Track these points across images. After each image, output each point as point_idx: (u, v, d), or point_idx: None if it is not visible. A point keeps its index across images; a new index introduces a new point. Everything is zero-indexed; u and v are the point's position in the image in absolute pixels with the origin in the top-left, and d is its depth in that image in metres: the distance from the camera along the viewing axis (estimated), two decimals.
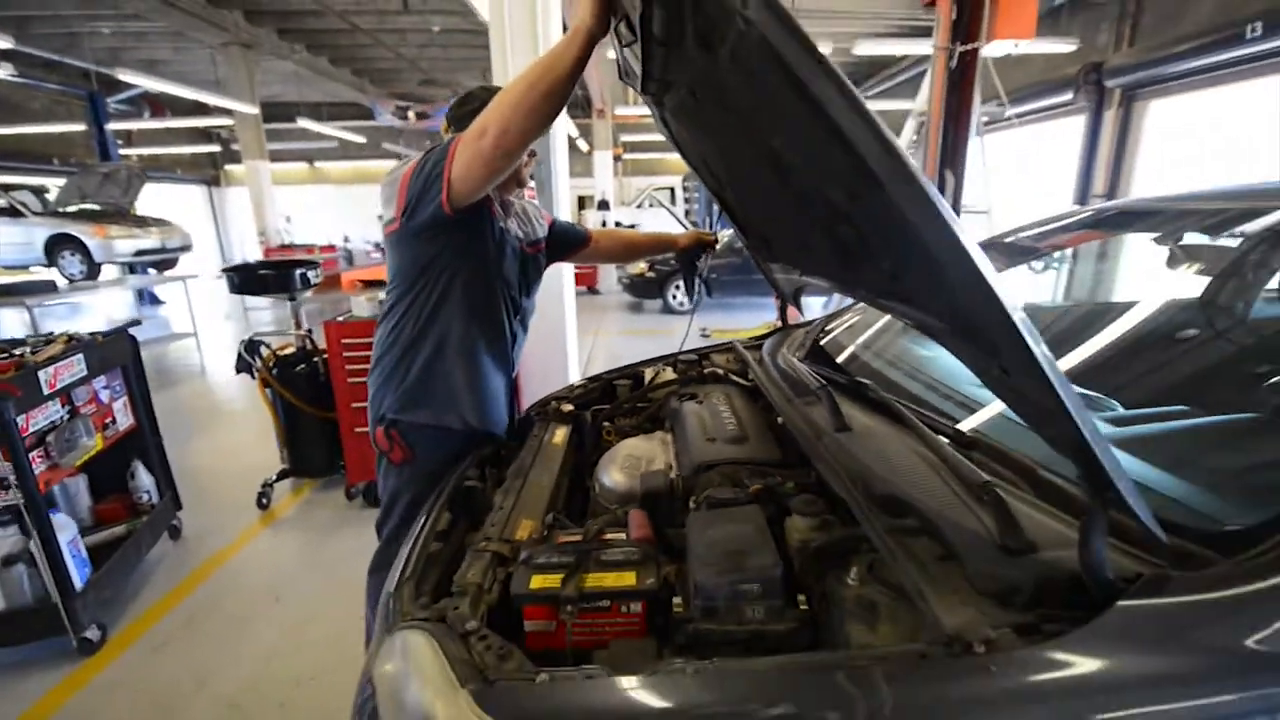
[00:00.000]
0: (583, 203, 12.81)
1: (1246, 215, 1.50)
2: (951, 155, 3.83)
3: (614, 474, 1.32)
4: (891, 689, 0.62)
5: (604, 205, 10.75)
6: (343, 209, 16.50)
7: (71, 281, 7.52)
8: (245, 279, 3.09)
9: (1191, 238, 1.55)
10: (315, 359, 2.96)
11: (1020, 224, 1.90)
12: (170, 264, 9.16)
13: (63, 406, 2.11)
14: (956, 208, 3.95)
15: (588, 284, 10.18)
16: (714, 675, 0.68)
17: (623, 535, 1.04)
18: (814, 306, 4.52)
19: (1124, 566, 0.68)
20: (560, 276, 3.25)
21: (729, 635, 0.80)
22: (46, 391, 1.96)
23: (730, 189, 1.47)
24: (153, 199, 10.28)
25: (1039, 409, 0.64)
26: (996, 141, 6.88)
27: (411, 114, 10.27)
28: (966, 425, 1.09)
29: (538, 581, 0.91)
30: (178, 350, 6.64)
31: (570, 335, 3.41)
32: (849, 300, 2.07)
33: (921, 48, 4.35)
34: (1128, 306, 1.72)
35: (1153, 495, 0.84)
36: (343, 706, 1.71)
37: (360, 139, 13.76)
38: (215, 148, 16.12)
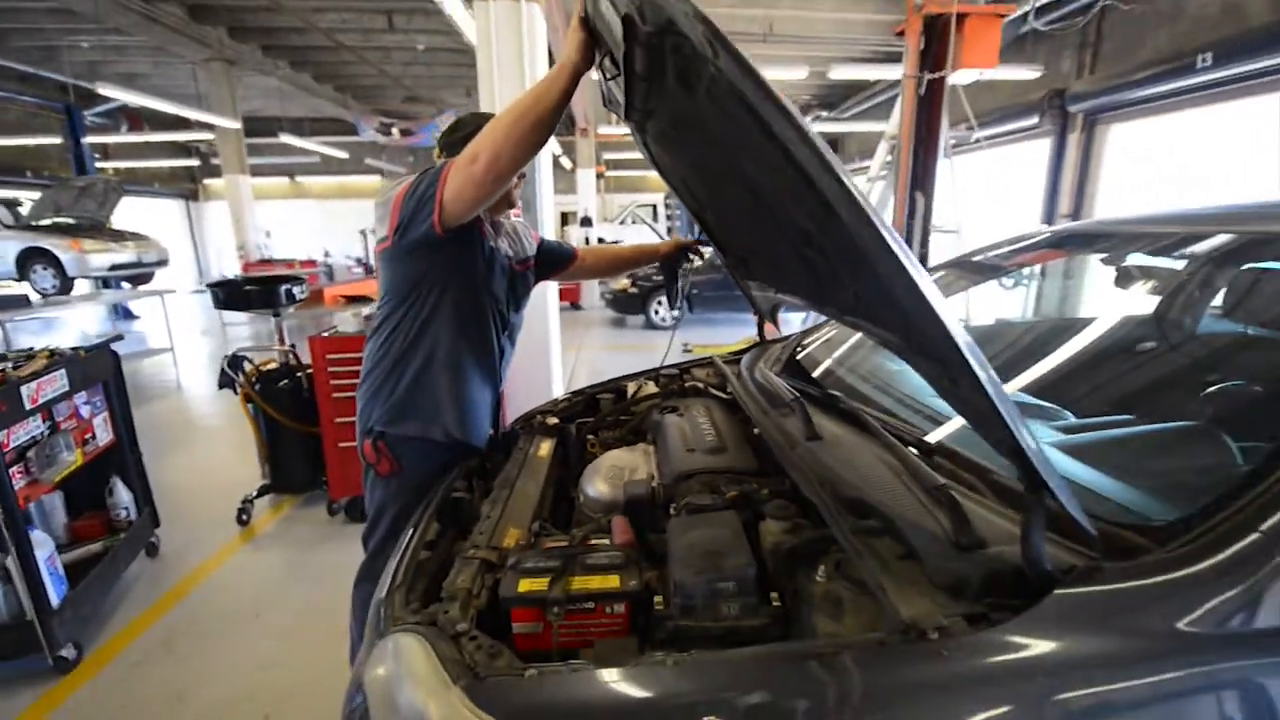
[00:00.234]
0: (566, 219, 12.91)
1: (1193, 238, 1.60)
2: (922, 177, 3.98)
3: (598, 484, 1.36)
4: (857, 674, 0.68)
5: (587, 222, 10.86)
6: (324, 224, 16.42)
7: (44, 296, 7.38)
8: (230, 294, 3.10)
9: (1136, 258, 1.65)
10: (299, 374, 2.96)
11: (987, 243, 2.00)
12: (146, 278, 9.03)
13: (44, 422, 2.10)
14: (927, 228, 4.11)
15: (571, 299, 10.24)
16: (692, 666, 0.73)
17: (607, 541, 1.09)
18: (793, 322, 4.63)
19: (1062, 559, 0.75)
20: (544, 292, 3.30)
21: (706, 631, 0.85)
22: (28, 407, 1.95)
23: (710, 210, 1.55)
24: (129, 213, 10.13)
25: (982, 416, 0.71)
26: (966, 163, 7.12)
27: (395, 130, 10.30)
28: (927, 433, 1.17)
29: (525, 585, 0.95)
30: (154, 366, 6.54)
31: (554, 350, 3.45)
32: (824, 317, 2.15)
33: (894, 73, 4.54)
34: (1085, 323, 1.82)
35: (1094, 495, 0.92)
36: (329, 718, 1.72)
37: (343, 154, 13.75)
38: (194, 162, 15.98)
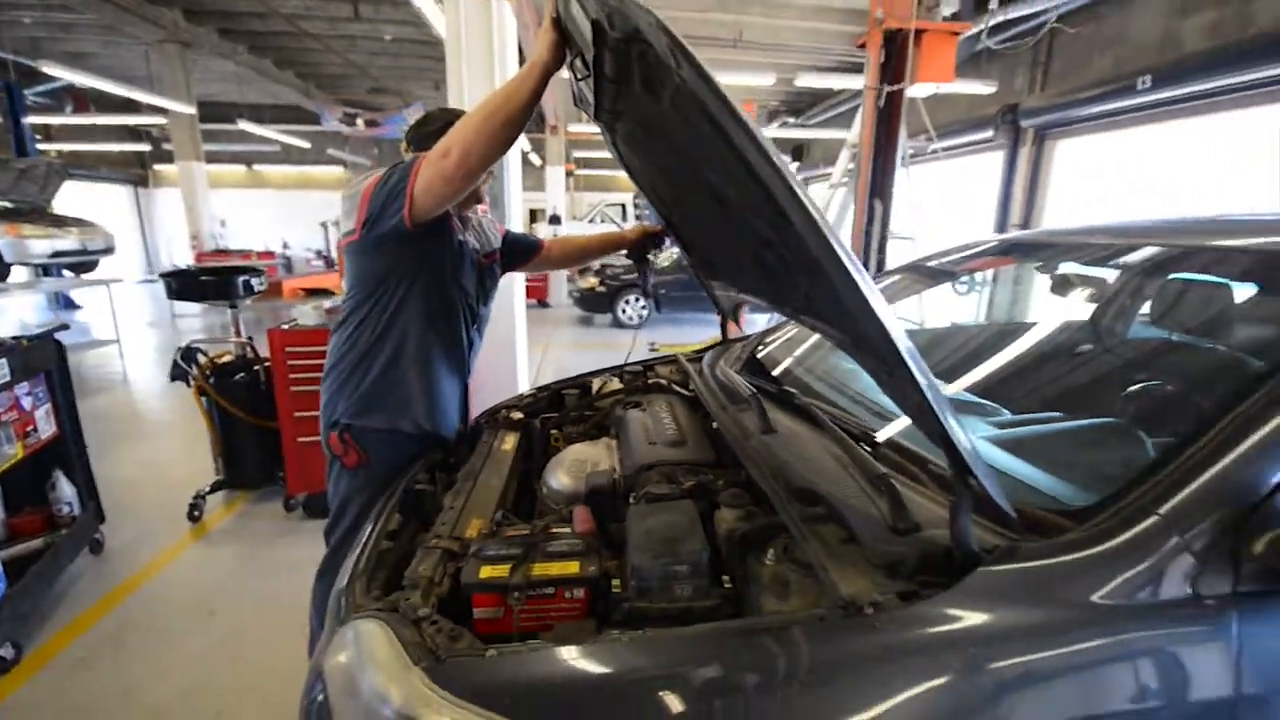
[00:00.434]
0: (534, 216, 12.83)
1: (1125, 250, 1.71)
2: (880, 185, 4.13)
3: (561, 476, 1.39)
4: (800, 647, 0.73)
5: (555, 220, 10.81)
6: (282, 214, 15.91)
7: None
8: (184, 285, 3.00)
9: (1070, 267, 1.76)
10: (256, 368, 2.90)
11: (938, 250, 2.10)
12: (90, 266, 8.61)
13: None
14: (884, 234, 4.26)
15: (538, 297, 10.19)
16: (647, 642, 0.77)
17: (568, 530, 1.12)
18: (759, 322, 4.72)
19: (987, 540, 0.81)
20: (511, 287, 3.30)
21: (661, 611, 0.89)
22: None
23: (676, 212, 1.59)
24: (73, 198, 9.65)
25: (916, 409, 0.77)
26: (925, 173, 7.37)
27: (360, 121, 10.08)
28: (873, 427, 1.23)
29: (486, 572, 0.98)
30: (98, 358, 6.26)
31: (520, 347, 3.46)
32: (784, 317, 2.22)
33: (857, 83, 4.68)
34: (1025, 327, 1.94)
35: (1021, 484, 0.99)
36: (287, 713, 1.71)
37: (304, 144, 13.37)
38: (144, 146, 15.29)
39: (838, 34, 7.19)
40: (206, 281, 2.99)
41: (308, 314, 2.81)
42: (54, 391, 2.37)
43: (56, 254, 7.72)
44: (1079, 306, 1.89)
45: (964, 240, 2.05)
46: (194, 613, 2.25)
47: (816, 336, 1.94)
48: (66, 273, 8.52)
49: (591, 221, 14.18)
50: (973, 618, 0.75)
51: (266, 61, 10.38)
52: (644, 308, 8.53)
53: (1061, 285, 1.88)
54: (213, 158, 11.16)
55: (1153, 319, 1.80)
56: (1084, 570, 0.78)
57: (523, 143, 8.81)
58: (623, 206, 13.76)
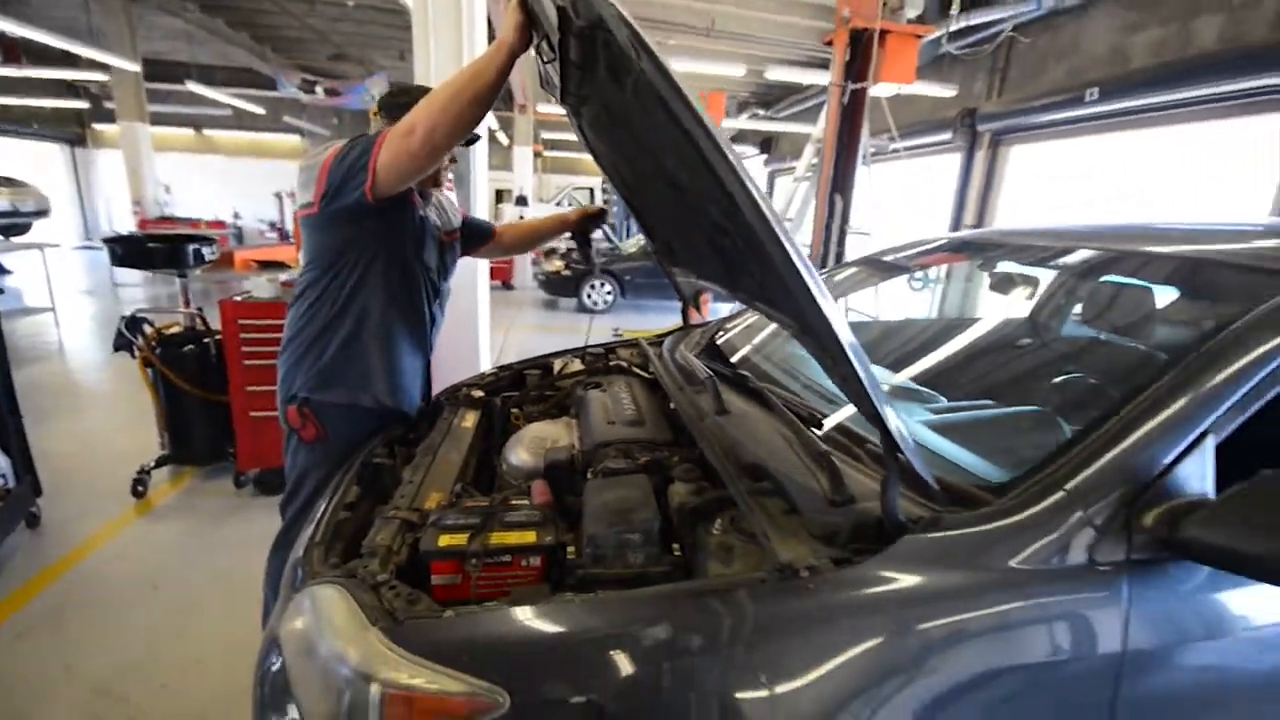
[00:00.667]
0: (500, 196, 12.62)
1: (1065, 252, 1.82)
2: (841, 181, 4.24)
3: (520, 453, 1.42)
4: (741, 607, 0.79)
5: (522, 201, 10.67)
6: (233, 183, 15.20)
7: None
8: (130, 251, 2.88)
9: (1009, 266, 1.87)
10: (206, 340, 2.81)
11: (891, 245, 2.19)
12: (21, 229, 8.12)
13: None
14: (844, 228, 4.38)
15: (503, 279, 10.08)
16: (600, 603, 0.82)
17: (526, 502, 1.15)
18: (722, 310, 4.80)
19: (914, 511, 0.89)
20: (475, 267, 3.27)
21: (615, 576, 0.94)
22: None
23: (639, 197, 1.63)
24: (0, 155, 9.04)
25: (853, 391, 0.83)
26: (886, 171, 7.56)
27: (320, 89, 9.69)
28: (819, 409, 1.30)
29: (445, 540, 1.00)
30: (31, 326, 5.93)
31: (483, 326, 3.44)
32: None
33: (825, 79, 4.77)
34: (969, 322, 2.05)
35: (950, 463, 1.07)
36: (235, 688, 1.71)
37: (258, 109, 12.78)
38: (82, 104, 14.33)
39: (808, 29, 7.29)
40: (154, 249, 2.87)
41: (263, 286, 2.74)
42: None
43: None
44: (1016, 304, 2.01)
45: (917, 237, 2.15)
46: (138, 588, 2.20)
47: (773, 325, 2.01)
48: None
49: (559, 205, 14.03)
50: (898, 579, 0.82)
51: (219, 21, 9.84)
52: (609, 293, 8.54)
53: (1000, 283, 2.00)
54: (158, 119, 10.58)
55: (1084, 319, 1.94)
56: (1000, 538, 0.86)
57: (490, 121, 8.65)
58: (590, 191, 13.66)
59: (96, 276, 9.07)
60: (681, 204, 1.17)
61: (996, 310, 2.07)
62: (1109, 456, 0.89)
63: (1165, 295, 1.47)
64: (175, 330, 2.81)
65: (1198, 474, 0.88)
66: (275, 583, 1.60)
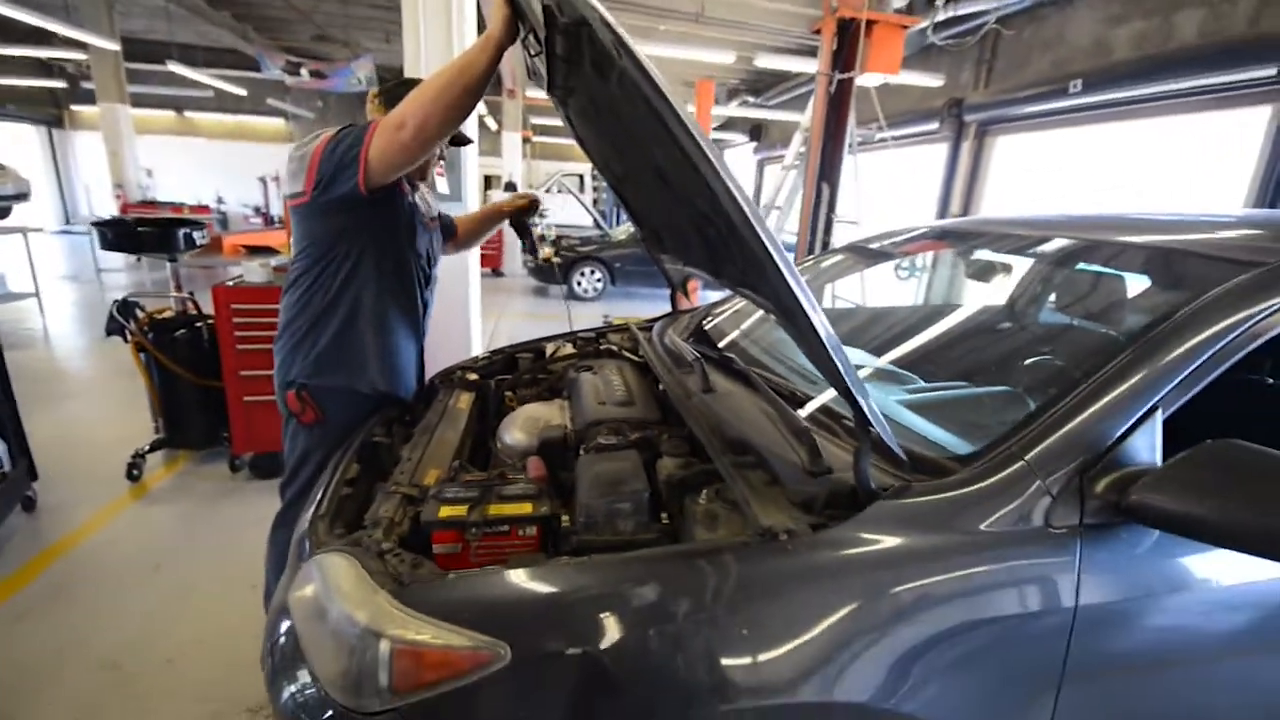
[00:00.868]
0: (489, 182, 12.53)
1: (1042, 240, 1.89)
2: (828, 169, 4.29)
3: (515, 433, 1.48)
4: (726, 568, 0.85)
5: (511, 187, 10.61)
6: (216, 167, 14.95)
7: None
8: (120, 235, 2.87)
9: (983, 254, 1.94)
10: (199, 324, 2.82)
11: (875, 233, 2.26)
12: (1, 214, 7.95)
13: None
14: (831, 216, 4.44)
15: (492, 266, 10.06)
16: (591, 565, 0.88)
17: (522, 477, 1.21)
18: (711, 296, 4.86)
19: (885, 480, 0.96)
20: (465, 256, 3.30)
21: (606, 543, 1.00)
22: None
23: (626, 186, 1.67)
24: None
25: (827, 369, 0.89)
26: (875, 160, 7.62)
27: (305, 71, 9.54)
28: (800, 388, 1.37)
29: (446, 511, 1.06)
30: (14, 312, 5.86)
31: (474, 312, 3.47)
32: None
33: (814, 67, 4.81)
34: (949, 308, 2.12)
35: (922, 438, 1.14)
36: (240, 661, 1.77)
37: (240, 91, 12.54)
38: (59, 84, 13.99)
39: (797, 16, 7.29)
40: (145, 233, 2.86)
41: (255, 271, 2.75)
42: None
43: None
44: (992, 291, 2.09)
45: (902, 226, 2.21)
46: (138, 569, 2.24)
47: (758, 311, 2.07)
48: None
49: (549, 191, 13.95)
50: (870, 541, 0.89)
51: None
52: (599, 280, 8.56)
53: (977, 271, 2.07)
54: (138, 100, 10.36)
55: (1058, 305, 2.02)
56: (963, 504, 0.94)
57: (479, 106, 8.58)
58: (580, 178, 13.61)
59: (79, 261, 8.94)
60: (668, 194, 1.22)
61: (974, 297, 2.15)
62: (1065, 429, 0.96)
63: (1133, 282, 1.54)
64: (167, 315, 2.82)
65: (1147, 445, 0.96)
66: (276, 561, 1.65)
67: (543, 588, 0.86)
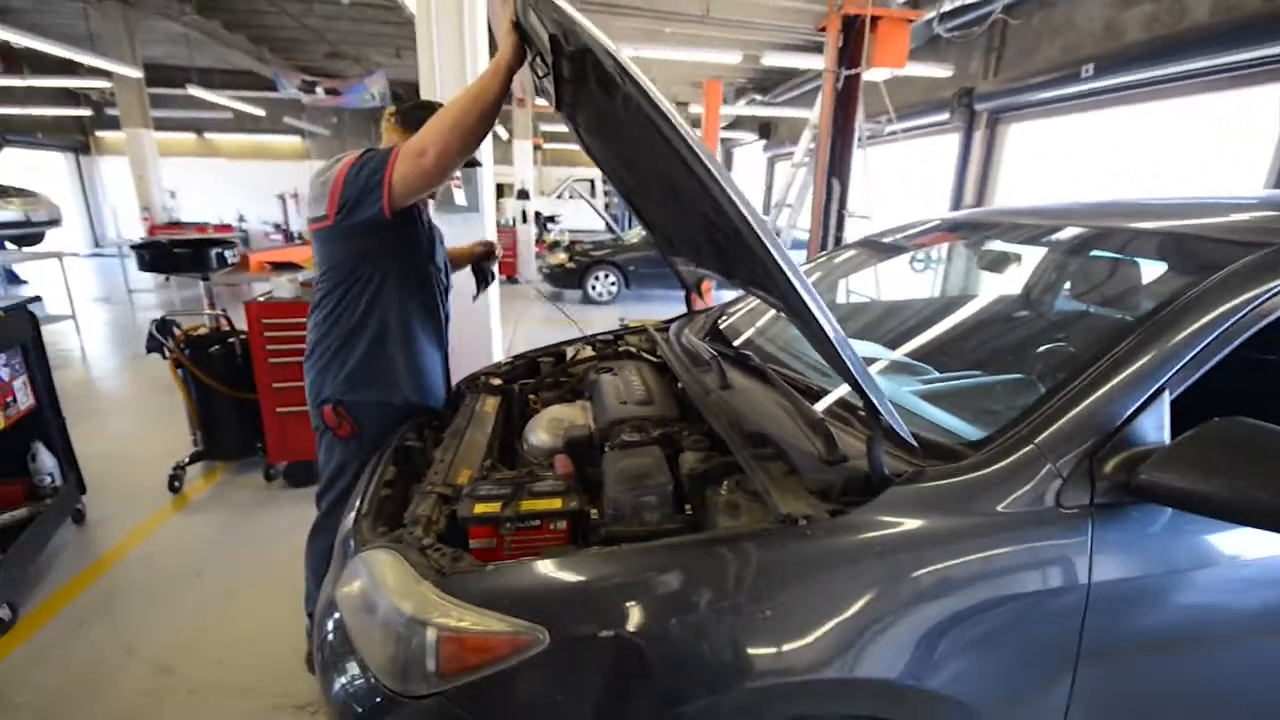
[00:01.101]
0: (501, 190, 12.68)
1: (1055, 229, 1.90)
2: (838, 165, 4.31)
3: (540, 434, 1.54)
4: (748, 553, 0.90)
5: (524, 195, 10.73)
6: (236, 185, 15.30)
7: None
8: (156, 256, 2.99)
9: (994, 244, 1.95)
10: (231, 340, 2.93)
11: (888, 227, 2.28)
12: (35, 239, 8.26)
13: None
14: (842, 212, 4.46)
15: (507, 273, 10.17)
16: (621, 554, 0.93)
17: (550, 474, 1.27)
18: (725, 296, 4.89)
19: (899, 467, 1.00)
20: None
21: (633, 533, 1.05)
22: None
23: (637, 194, 1.72)
24: (6, 166, 9.15)
25: (836, 363, 0.94)
26: (885, 153, 7.59)
27: (320, 89, 9.76)
28: (814, 382, 1.41)
29: (480, 508, 1.12)
30: (52, 334, 6.06)
31: (495, 322, 3.54)
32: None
33: (821, 63, 4.82)
34: (962, 299, 2.14)
35: (936, 426, 1.17)
36: (284, 660, 1.85)
37: (258, 111, 12.84)
38: (85, 111, 14.42)
39: (803, 13, 7.30)
40: (180, 253, 2.98)
41: (284, 286, 2.85)
42: (29, 363, 2.39)
43: None
44: (1005, 281, 2.10)
45: (913, 219, 2.23)
46: (183, 576, 2.34)
47: (771, 309, 2.11)
48: (9, 246, 8.15)
49: (559, 197, 14.08)
50: (885, 524, 0.93)
51: (216, 23, 9.89)
52: (613, 284, 8.63)
53: (988, 262, 2.09)
54: (160, 124, 10.64)
55: (1073, 293, 2.02)
56: (976, 488, 0.97)
57: None
58: (592, 182, 13.70)
59: (110, 283, 9.21)
60: (676, 202, 1.27)
61: (988, 288, 2.16)
62: (1074, 412, 0.99)
63: (1148, 267, 1.56)
64: (202, 331, 2.94)
65: (1155, 426, 0.99)
66: (315, 565, 1.72)
67: (577, 575, 0.91)
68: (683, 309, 2.27)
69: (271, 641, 1.98)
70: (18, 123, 13.38)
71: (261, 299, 2.82)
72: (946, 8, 5.12)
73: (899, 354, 1.72)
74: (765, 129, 15.00)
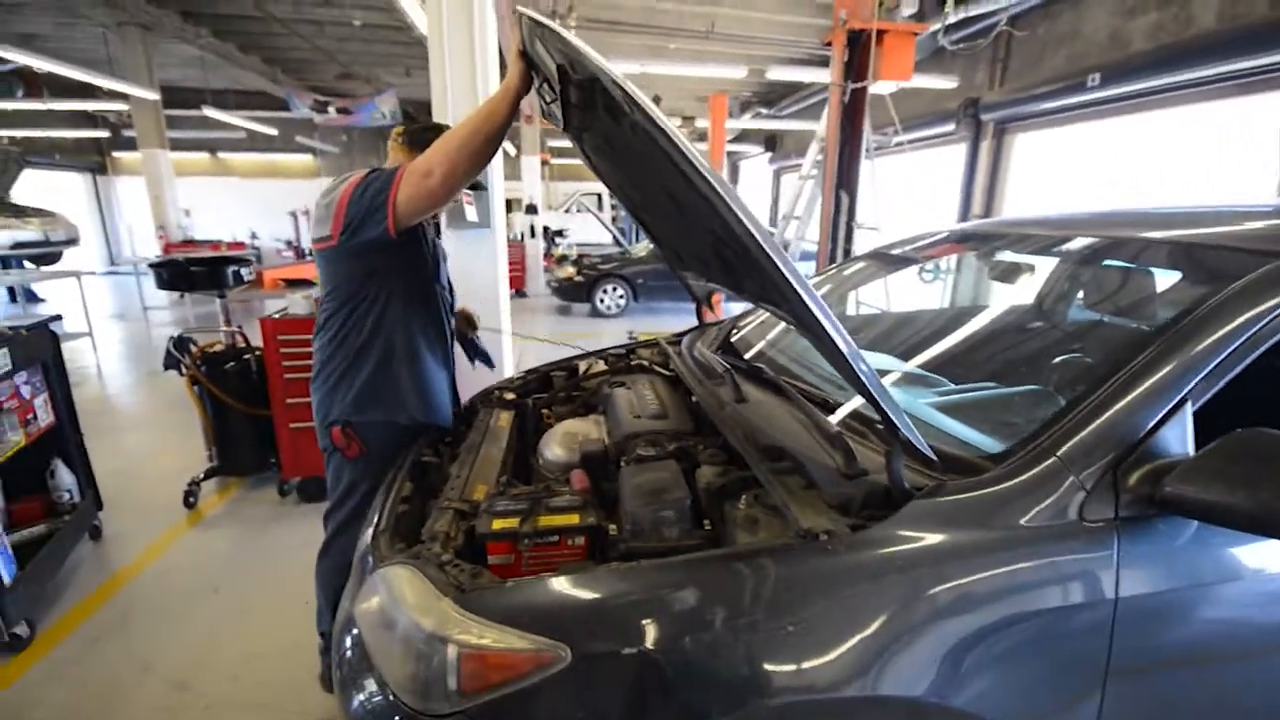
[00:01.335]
0: (510, 206, 12.80)
1: (1066, 239, 1.90)
2: (846, 177, 4.33)
3: (555, 448, 1.54)
4: (769, 569, 0.89)
5: (532, 209, 10.83)
6: (249, 203, 15.54)
7: None
8: (174, 275, 3.04)
9: (1009, 255, 1.95)
10: (247, 356, 2.97)
11: (897, 239, 2.28)
12: (53, 258, 8.40)
13: None
14: (850, 224, 4.46)
15: (516, 287, 10.24)
16: (641, 570, 0.93)
17: (567, 489, 1.27)
18: (734, 309, 4.90)
19: (919, 480, 0.99)
20: (495, 279, 3.40)
21: (653, 549, 1.05)
22: None
23: (644, 211, 1.73)
24: (27, 187, 9.33)
25: (850, 378, 0.94)
26: (893, 165, 7.61)
27: (332, 109, 9.93)
28: (830, 395, 1.41)
29: (498, 524, 1.12)
30: (70, 351, 6.13)
31: (505, 335, 3.56)
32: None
33: (827, 76, 4.86)
34: (973, 310, 2.13)
35: (953, 438, 1.17)
36: (299, 675, 1.85)
37: (271, 130, 13.07)
38: (102, 133, 14.73)
39: (807, 27, 7.37)
40: (197, 271, 3.03)
41: (299, 303, 2.89)
42: (50, 381, 2.42)
43: (17, 245, 7.54)
44: (1018, 291, 2.09)
45: (922, 230, 2.24)
46: (199, 592, 2.34)
47: (783, 322, 2.11)
48: (27, 264, 8.30)
49: (567, 211, 14.19)
50: (907, 539, 0.92)
51: (230, 46, 10.12)
52: (621, 297, 8.66)
53: (999, 273, 2.08)
54: (175, 145, 10.83)
55: (1086, 303, 2.01)
56: (998, 501, 0.96)
57: None
58: (599, 196, 13.81)
59: (125, 300, 9.35)
60: (684, 219, 1.27)
61: (1000, 298, 2.15)
62: (1095, 424, 0.98)
63: (1161, 276, 1.55)
64: (218, 348, 2.97)
65: (1178, 437, 0.98)
66: (325, 584, 1.72)
67: (598, 592, 0.91)
68: (691, 321, 2.28)
69: (286, 657, 1.98)
70: (38, 145, 13.67)
71: (276, 316, 2.85)
72: (952, 19, 5.15)
73: (911, 365, 1.72)
74: (771, 142, 15.09)
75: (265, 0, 7.99)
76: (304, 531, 2.67)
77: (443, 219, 3.08)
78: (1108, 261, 1.81)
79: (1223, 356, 1.00)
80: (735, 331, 2.12)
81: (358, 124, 10.33)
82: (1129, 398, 0.99)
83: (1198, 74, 4.90)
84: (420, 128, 1.64)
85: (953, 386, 1.53)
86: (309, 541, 1.68)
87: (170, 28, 8.71)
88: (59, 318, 2.80)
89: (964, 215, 7.83)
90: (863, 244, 4.55)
